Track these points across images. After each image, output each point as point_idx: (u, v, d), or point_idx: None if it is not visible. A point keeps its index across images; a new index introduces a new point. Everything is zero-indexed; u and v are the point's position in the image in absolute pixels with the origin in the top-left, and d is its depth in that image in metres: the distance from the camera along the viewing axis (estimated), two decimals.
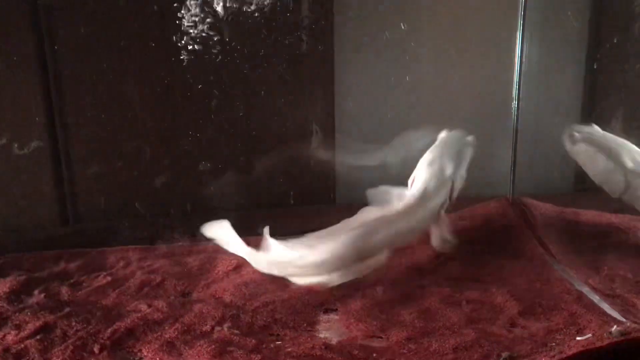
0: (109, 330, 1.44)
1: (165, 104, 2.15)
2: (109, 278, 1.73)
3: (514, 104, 2.15)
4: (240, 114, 2.22)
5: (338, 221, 2.04)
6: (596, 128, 1.94)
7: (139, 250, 1.92)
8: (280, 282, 1.67)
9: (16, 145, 2.10)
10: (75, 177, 2.18)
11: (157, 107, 2.15)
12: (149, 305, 1.56)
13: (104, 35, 2.06)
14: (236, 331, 1.43)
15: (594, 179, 1.86)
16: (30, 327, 1.46)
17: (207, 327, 1.45)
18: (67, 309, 1.55)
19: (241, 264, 1.77)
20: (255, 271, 1.72)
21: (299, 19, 2.17)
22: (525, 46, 2.14)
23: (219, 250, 1.86)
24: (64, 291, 1.66)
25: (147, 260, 1.84)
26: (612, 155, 1.82)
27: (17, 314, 1.53)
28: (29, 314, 1.53)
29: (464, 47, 2.36)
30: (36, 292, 1.66)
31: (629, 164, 1.80)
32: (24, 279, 1.72)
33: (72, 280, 1.73)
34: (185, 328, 1.45)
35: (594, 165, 1.85)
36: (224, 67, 2.14)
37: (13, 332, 1.44)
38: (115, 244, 1.98)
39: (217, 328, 1.45)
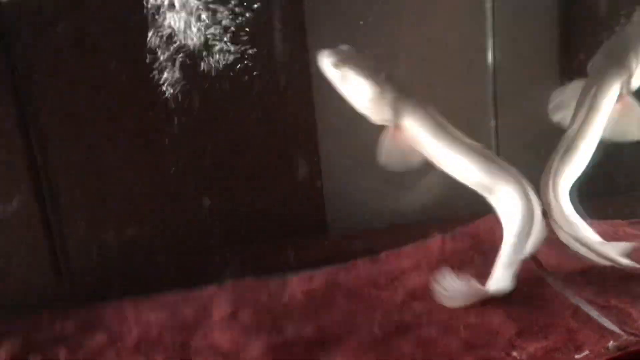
0: None
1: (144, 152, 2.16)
2: (105, 336, 1.72)
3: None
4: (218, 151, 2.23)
5: (329, 257, 2.09)
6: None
7: (134, 304, 1.90)
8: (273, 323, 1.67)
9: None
10: (65, 234, 2.18)
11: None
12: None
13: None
14: None
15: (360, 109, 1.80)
16: None
17: None
18: None
19: (238, 310, 1.77)
20: (252, 316, 1.71)
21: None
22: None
23: (214, 295, 1.87)
24: (62, 353, 1.65)
25: (143, 314, 1.84)
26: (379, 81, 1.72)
27: None
28: None
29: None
30: (31, 356, 1.66)
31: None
32: (20, 344, 1.71)
33: (69, 342, 1.72)
34: None
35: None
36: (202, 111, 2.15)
37: None
38: (110, 298, 1.97)
39: None
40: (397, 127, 1.73)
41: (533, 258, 1.73)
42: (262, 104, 2.21)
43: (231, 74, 2.06)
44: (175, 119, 2.11)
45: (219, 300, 1.83)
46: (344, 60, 1.75)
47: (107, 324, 1.81)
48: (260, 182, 2.29)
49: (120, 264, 2.20)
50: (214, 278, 2.02)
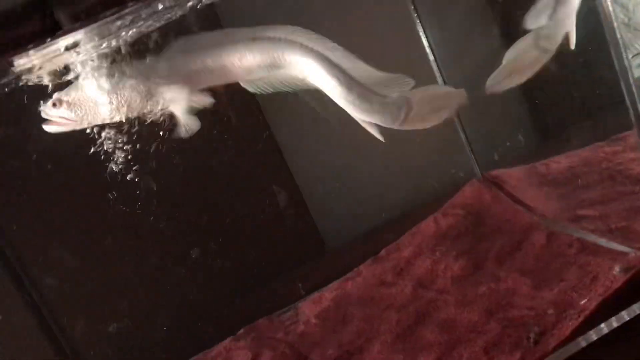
0: None
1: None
2: None
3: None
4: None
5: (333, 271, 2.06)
6: None
7: None
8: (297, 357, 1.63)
9: None
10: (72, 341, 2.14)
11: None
12: None
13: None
14: None
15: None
16: None
17: None
18: None
19: (258, 354, 1.72)
20: (273, 357, 1.66)
21: None
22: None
23: (231, 348, 1.82)
24: None
25: None
26: None
27: None
28: None
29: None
30: None
31: None
32: None
33: None
34: None
35: None
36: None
37: None
38: None
39: None
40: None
41: (530, 209, 1.70)
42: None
43: None
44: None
45: (237, 351, 1.79)
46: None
47: None
48: (245, 222, 2.26)
49: (127, 347, 2.15)
50: (227, 331, 1.99)
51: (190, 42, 1.38)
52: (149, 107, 1.37)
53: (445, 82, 2.11)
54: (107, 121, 1.36)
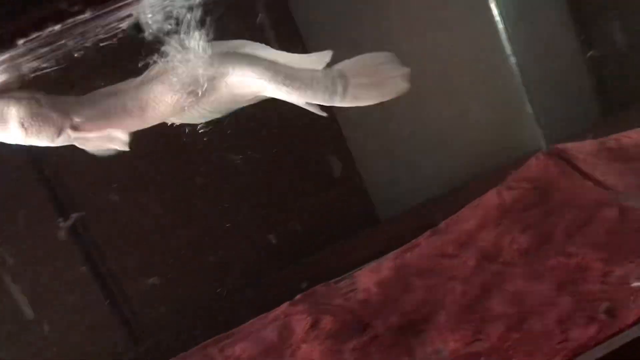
0: None
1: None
2: None
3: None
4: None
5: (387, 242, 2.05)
6: None
7: (215, 342, 1.89)
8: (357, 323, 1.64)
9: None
10: (127, 294, 2.18)
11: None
12: None
13: None
14: None
15: None
16: None
17: None
18: None
19: (317, 319, 1.73)
20: (334, 322, 1.67)
21: None
22: None
23: (289, 313, 1.84)
24: None
25: (228, 349, 1.82)
26: None
27: None
28: None
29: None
30: None
31: None
32: None
33: None
34: None
35: None
36: None
37: None
38: (194, 344, 1.96)
39: None
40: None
41: (599, 184, 1.64)
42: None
43: None
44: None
45: (295, 316, 1.80)
46: None
47: None
48: (300, 189, 2.26)
49: (188, 309, 2.19)
50: (283, 296, 2.01)
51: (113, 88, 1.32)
52: (55, 142, 1.30)
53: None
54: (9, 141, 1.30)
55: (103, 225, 2.11)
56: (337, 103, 1.31)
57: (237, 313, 2.07)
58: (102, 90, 1.29)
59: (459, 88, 2.21)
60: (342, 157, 2.29)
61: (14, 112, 1.22)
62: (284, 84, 1.27)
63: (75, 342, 2.15)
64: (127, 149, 1.29)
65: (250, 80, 1.27)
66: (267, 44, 1.40)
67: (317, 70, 1.29)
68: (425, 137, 2.29)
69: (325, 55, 1.31)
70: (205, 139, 1.87)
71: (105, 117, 1.27)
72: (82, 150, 2.12)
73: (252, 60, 1.28)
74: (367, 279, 1.84)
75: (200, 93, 1.28)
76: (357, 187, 2.30)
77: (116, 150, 1.32)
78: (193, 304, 2.17)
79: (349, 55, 1.37)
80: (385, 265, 1.85)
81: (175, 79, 1.26)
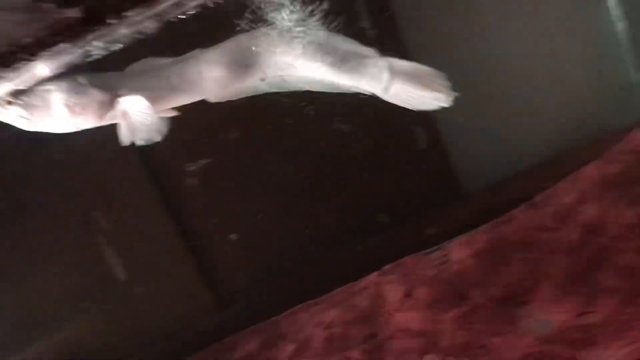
0: None
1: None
2: (293, 345, 1.74)
3: None
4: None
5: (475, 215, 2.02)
6: None
7: (305, 308, 1.92)
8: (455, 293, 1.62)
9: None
10: (213, 260, 2.23)
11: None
12: (347, 359, 1.55)
13: None
14: (443, 356, 1.40)
15: None
16: None
17: None
18: None
19: (411, 289, 1.73)
20: (429, 292, 1.67)
21: None
22: None
23: (379, 282, 1.84)
24: None
25: (318, 316, 1.84)
26: None
27: None
28: None
29: None
30: None
31: None
32: None
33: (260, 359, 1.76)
34: None
35: None
36: None
37: None
38: (279, 311, 1.99)
39: (424, 358, 1.42)
40: None
41: None
42: None
43: None
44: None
45: (386, 285, 1.80)
46: None
47: (286, 334, 1.83)
48: (385, 160, 2.24)
49: (273, 276, 2.22)
50: (370, 266, 2.01)
51: (153, 61, 1.30)
52: (104, 119, 1.26)
53: None
54: (58, 129, 1.28)
55: (196, 193, 2.16)
56: (379, 93, 1.30)
57: (321, 281, 2.09)
58: (140, 64, 1.28)
59: (556, 53, 2.13)
60: (428, 129, 2.26)
61: (56, 94, 1.22)
62: (334, 65, 1.26)
63: (164, 305, 2.23)
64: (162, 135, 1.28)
65: (295, 63, 1.26)
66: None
67: (368, 57, 1.28)
68: (517, 108, 2.23)
69: (371, 51, 1.30)
70: (302, 109, 1.91)
71: (149, 92, 1.25)
72: (180, 121, 2.16)
73: (300, 44, 1.25)
74: (460, 251, 1.81)
75: (249, 68, 1.28)
76: (443, 159, 2.27)
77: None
78: (278, 271, 2.21)
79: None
80: (479, 238, 1.82)
81: (226, 55, 1.26)
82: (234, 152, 2.12)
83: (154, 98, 1.25)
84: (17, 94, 1.20)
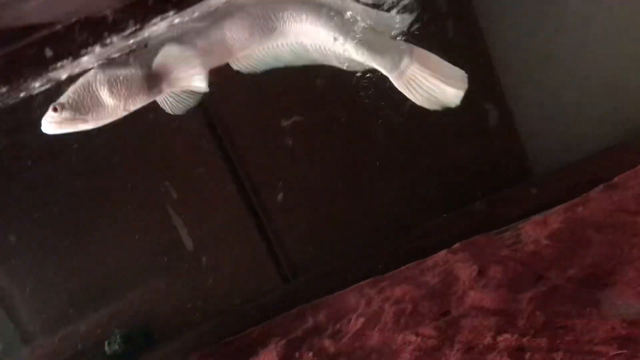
0: None
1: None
2: (361, 319, 1.74)
3: None
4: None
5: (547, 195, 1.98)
6: None
7: (372, 283, 1.92)
8: (531, 273, 1.59)
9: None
10: (279, 232, 2.25)
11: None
12: (417, 335, 1.54)
13: None
14: (519, 336, 1.37)
15: None
16: None
17: (488, 340, 1.41)
18: None
19: (484, 267, 1.70)
20: (503, 271, 1.64)
21: None
22: None
23: (449, 260, 1.83)
24: (327, 344, 1.70)
25: (386, 291, 1.84)
26: None
27: None
28: None
29: None
30: (299, 353, 1.72)
31: None
32: (284, 343, 1.79)
33: (328, 332, 1.77)
34: (467, 347, 1.42)
35: None
36: None
37: None
38: (343, 285, 2.01)
39: (499, 338, 1.40)
40: None
41: None
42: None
43: None
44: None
45: (457, 263, 1.78)
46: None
47: (355, 308, 1.84)
48: (455, 137, 2.20)
49: (339, 252, 2.23)
50: (438, 244, 2.00)
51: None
52: (150, 96, 1.30)
53: None
54: (112, 117, 1.31)
55: (265, 165, 2.19)
56: (393, 78, 1.29)
57: (388, 258, 2.09)
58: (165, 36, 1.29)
59: (634, 38, 2.04)
60: (499, 106, 2.21)
61: (100, 81, 1.25)
62: (353, 43, 1.26)
63: (229, 276, 2.27)
64: (206, 89, 1.30)
65: (318, 31, 1.26)
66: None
67: (390, 40, 1.29)
68: (591, 87, 2.16)
69: (405, 19, 1.31)
70: (377, 84, 1.88)
71: (182, 60, 1.28)
72: (248, 93, 2.17)
73: (326, 13, 1.26)
74: (534, 231, 1.78)
75: (273, 31, 1.28)
76: (514, 137, 2.22)
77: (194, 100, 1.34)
78: (344, 246, 2.22)
79: None
80: (554, 219, 1.78)
81: (247, 16, 1.27)
82: (302, 129, 2.13)
83: (186, 65, 1.28)
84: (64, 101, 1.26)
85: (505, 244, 1.80)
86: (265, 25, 1.27)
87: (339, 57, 1.31)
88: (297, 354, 1.72)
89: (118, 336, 1.88)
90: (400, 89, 1.31)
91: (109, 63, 1.28)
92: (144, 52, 1.29)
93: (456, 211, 2.16)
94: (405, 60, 1.28)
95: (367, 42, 1.27)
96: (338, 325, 1.78)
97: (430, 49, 1.88)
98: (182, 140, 2.18)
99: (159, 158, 2.21)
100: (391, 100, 2.03)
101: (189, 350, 2.04)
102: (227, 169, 2.19)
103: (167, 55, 1.27)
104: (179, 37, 1.27)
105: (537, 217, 1.85)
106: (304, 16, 1.26)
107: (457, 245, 1.89)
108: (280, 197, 2.21)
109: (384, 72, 1.29)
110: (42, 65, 1.21)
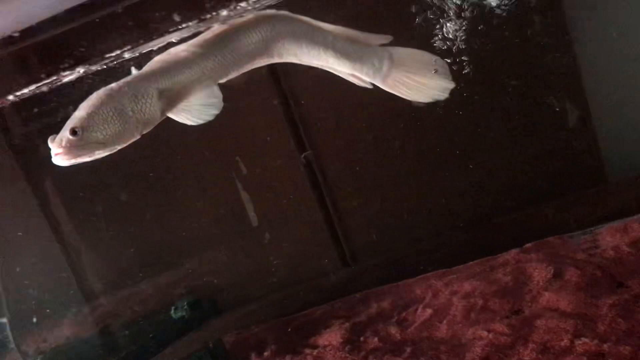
0: None
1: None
2: (429, 310, 1.74)
3: None
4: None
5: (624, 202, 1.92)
6: None
7: (438, 275, 1.91)
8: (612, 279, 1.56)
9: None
10: (344, 217, 2.26)
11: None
12: (488, 331, 1.53)
13: None
14: (600, 341, 1.35)
15: None
16: None
17: (565, 342, 1.38)
18: (408, 349, 1.58)
19: (559, 269, 1.68)
20: (581, 275, 1.60)
21: None
22: None
23: (521, 259, 1.80)
24: (394, 331, 1.70)
25: (454, 285, 1.83)
26: None
27: None
28: None
29: None
30: (363, 337, 1.73)
31: None
32: (348, 326, 1.80)
33: (394, 319, 1.77)
34: (542, 347, 1.40)
35: None
36: None
37: None
38: (403, 275, 2.00)
39: (577, 341, 1.37)
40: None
41: None
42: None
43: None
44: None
45: (530, 263, 1.76)
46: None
47: (421, 298, 1.84)
48: (531, 135, 2.16)
49: (402, 241, 2.22)
50: (506, 242, 1.97)
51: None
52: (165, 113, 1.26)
53: None
54: (127, 141, 1.23)
55: (335, 151, 2.19)
56: (379, 82, 1.35)
57: (452, 251, 2.07)
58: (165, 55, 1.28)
59: None
60: (579, 106, 2.16)
61: (116, 100, 1.19)
62: (334, 53, 1.31)
63: (290, 254, 2.30)
64: (221, 104, 1.31)
65: (303, 47, 1.32)
66: None
67: (369, 47, 1.33)
68: None
69: (384, 38, 1.34)
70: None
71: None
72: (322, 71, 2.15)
73: (308, 29, 1.32)
74: (613, 237, 1.74)
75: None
76: (592, 139, 2.16)
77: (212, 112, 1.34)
78: (407, 237, 2.21)
79: None
80: (635, 227, 1.74)
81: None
82: (375, 112, 2.12)
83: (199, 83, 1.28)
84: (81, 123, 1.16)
85: (581, 247, 1.77)
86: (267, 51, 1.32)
87: (328, 69, 1.37)
88: (361, 338, 1.73)
89: (185, 303, 1.93)
90: (388, 90, 1.37)
91: (123, 82, 1.23)
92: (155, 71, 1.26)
93: (527, 210, 2.12)
94: (386, 64, 1.33)
95: (345, 52, 1.32)
96: (404, 314, 1.78)
97: (514, 43, 1.85)
98: (255, 118, 2.20)
99: (232, 134, 2.24)
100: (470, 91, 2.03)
101: (251, 322, 2.08)
102: (297, 149, 2.20)
103: (182, 70, 1.26)
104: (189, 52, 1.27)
105: (617, 224, 1.81)
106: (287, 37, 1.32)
107: (529, 245, 1.87)
108: (348, 180, 2.22)
109: (368, 79, 1.36)
110: None
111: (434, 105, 2.12)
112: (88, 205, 2.28)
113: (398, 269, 2.08)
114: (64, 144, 1.14)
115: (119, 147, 1.22)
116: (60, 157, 1.14)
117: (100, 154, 1.19)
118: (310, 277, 2.27)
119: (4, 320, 2.24)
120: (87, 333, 2.31)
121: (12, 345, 2.23)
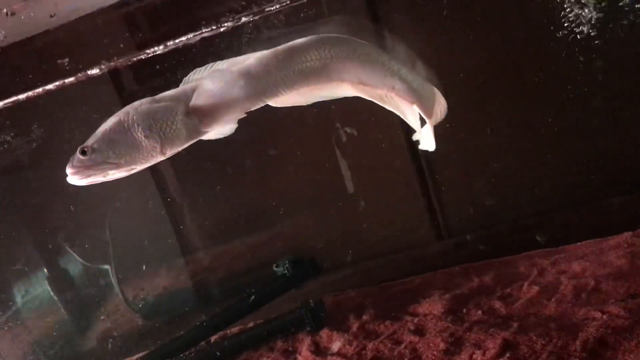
0: (577, 342, 1.41)
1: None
2: (535, 287, 1.71)
3: None
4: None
5: None
6: None
7: (544, 255, 1.87)
8: None
9: None
10: (441, 189, 2.24)
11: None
12: (602, 312, 1.49)
13: None
14: None
15: None
16: (491, 345, 1.50)
17: None
18: (514, 324, 1.56)
19: None
20: None
21: None
22: None
23: (636, 244, 1.74)
24: (498, 305, 1.69)
25: (561, 264, 1.79)
26: None
27: (467, 333, 1.60)
28: (478, 332, 1.58)
29: None
30: (466, 309, 1.73)
31: None
32: (450, 297, 1.80)
33: (497, 294, 1.76)
34: None
35: None
36: None
37: (478, 352, 1.50)
38: (507, 252, 1.97)
39: None
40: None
41: None
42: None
43: None
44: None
45: None
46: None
47: (525, 275, 1.81)
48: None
49: (499, 218, 2.19)
50: (615, 224, 1.91)
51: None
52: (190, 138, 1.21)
53: None
54: (146, 164, 1.19)
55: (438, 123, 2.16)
56: (428, 116, 1.42)
57: (552, 231, 2.02)
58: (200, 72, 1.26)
59: None
60: None
61: (135, 119, 1.15)
62: (400, 77, 1.35)
63: (383, 223, 2.30)
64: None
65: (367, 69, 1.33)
66: None
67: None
68: None
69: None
70: None
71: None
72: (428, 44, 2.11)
73: (371, 51, 1.34)
74: None
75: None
76: None
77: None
78: (505, 214, 2.17)
79: None
80: None
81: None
82: (480, 86, 2.08)
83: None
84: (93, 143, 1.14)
85: None
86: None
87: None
88: (464, 310, 1.72)
89: (287, 261, 1.98)
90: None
91: (147, 100, 1.20)
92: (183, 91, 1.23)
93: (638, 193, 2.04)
94: (439, 102, 1.45)
95: (410, 81, 1.35)
96: (508, 290, 1.76)
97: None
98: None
99: (336, 102, 2.25)
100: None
101: (347, 286, 2.11)
102: (400, 122, 2.19)
103: (205, 92, 1.22)
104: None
105: None
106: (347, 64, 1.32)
107: None
108: (448, 154, 2.19)
109: (425, 116, 1.41)
110: None
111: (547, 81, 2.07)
112: (193, 167, 2.36)
113: (500, 246, 2.05)
114: (74, 163, 1.13)
115: (138, 168, 1.19)
116: (71, 177, 1.14)
117: (115, 174, 1.17)
118: (401, 248, 2.27)
119: (110, 267, 2.38)
120: (185, 285, 2.43)
121: (117, 290, 2.37)
